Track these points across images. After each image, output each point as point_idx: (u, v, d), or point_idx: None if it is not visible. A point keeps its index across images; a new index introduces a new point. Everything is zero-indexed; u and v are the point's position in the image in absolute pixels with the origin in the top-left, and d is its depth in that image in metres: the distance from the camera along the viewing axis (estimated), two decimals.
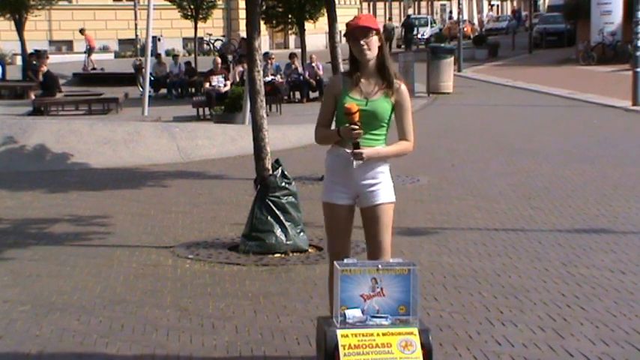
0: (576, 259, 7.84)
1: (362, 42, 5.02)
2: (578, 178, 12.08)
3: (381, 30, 5.20)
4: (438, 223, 9.42)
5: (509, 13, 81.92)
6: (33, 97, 23.63)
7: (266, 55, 25.62)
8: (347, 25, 5.16)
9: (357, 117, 4.92)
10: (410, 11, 69.71)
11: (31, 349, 5.73)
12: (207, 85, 22.51)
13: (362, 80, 5.10)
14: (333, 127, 5.23)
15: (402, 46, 50.08)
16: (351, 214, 5.24)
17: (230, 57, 29.09)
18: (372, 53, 5.05)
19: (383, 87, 5.10)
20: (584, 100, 22.97)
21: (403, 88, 5.16)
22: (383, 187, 5.17)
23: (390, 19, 57.59)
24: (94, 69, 35.53)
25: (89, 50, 37.50)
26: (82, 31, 38.36)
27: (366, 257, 5.28)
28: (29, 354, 5.66)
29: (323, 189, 5.32)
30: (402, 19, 57.85)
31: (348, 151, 5.05)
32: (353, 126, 4.92)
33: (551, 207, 10.16)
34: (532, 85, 27.59)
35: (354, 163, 5.01)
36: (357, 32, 5.04)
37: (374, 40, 5.04)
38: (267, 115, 9.30)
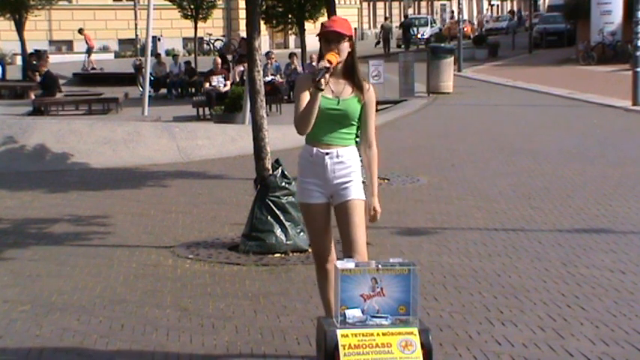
0: (576, 259, 7.84)
1: (332, 46, 5.14)
2: (578, 178, 12.08)
3: (352, 36, 5.31)
4: (438, 223, 9.42)
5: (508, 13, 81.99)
6: (33, 97, 23.63)
7: (268, 55, 25.64)
8: (321, 25, 5.28)
9: (334, 59, 5.06)
10: (410, 11, 69.74)
11: (31, 349, 5.73)
12: (207, 85, 22.53)
13: (331, 80, 5.20)
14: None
15: (402, 46, 50.11)
16: (328, 212, 5.32)
17: (230, 57, 29.10)
18: (341, 57, 5.18)
19: (354, 88, 5.24)
20: (584, 100, 22.96)
21: (372, 89, 5.34)
22: (354, 185, 5.26)
23: (387, 18, 57.61)
24: (93, 69, 35.54)
25: (89, 50, 37.51)
26: (80, 30, 38.37)
27: (342, 254, 5.28)
28: (29, 354, 5.66)
29: (297, 190, 5.42)
30: (401, 19, 57.92)
31: (322, 150, 5.20)
32: (327, 63, 5.04)
33: (551, 207, 10.16)
34: (532, 85, 27.59)
35: (320, 75, 5.02)
36: (330, 36, 5.17)
37: (345, 46, 5.18)
38: (267, 115, 9.31)
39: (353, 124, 5.26)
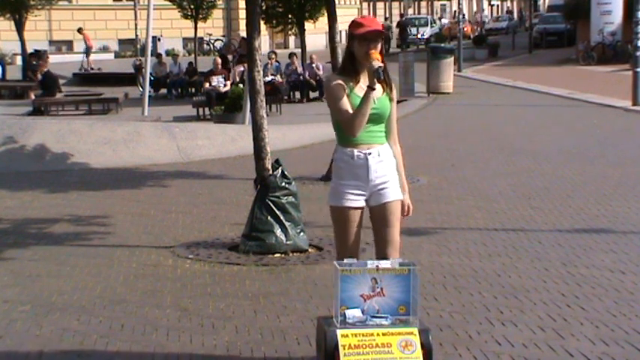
0: (576, 259, 7.84)
1: (372, 46, 5.08)
2: (578, 178, 12.08)
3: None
4: (438, 223, 9.42)
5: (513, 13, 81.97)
6: (33, 97, 23.61)
7: (269, 55, 25.63)
8: (355, 24, 5.19)
9: (380, 58, 5.06)
10: (410, 11, 69.75)
11: (31, 349, 5.73)
12: (207, 85, 22.52)
13: (362, 80, 5.15)
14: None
15: (402, 46, 50.12)
16: (361, 216, 5.23)
17: (230, 57, 29.09)
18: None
19: (384, 87, 5.19)
20: (584, 100, 22.97)
21: (394, 86, 5.32)
22: (392, 185, 5.21)
23: (387, 19, 57.68)
24: (92, 69, 35.53)
25: (87, 50, 37.51)
26: (79, 30, 38.37)
27: (375, 255, 5.25)
28: (29, 354, 5.66)
29: (331, 192, 5.25)
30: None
31: (364, 151, 5.12)
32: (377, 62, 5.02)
33: (551, 207, 10.17)
34: (532, 85, 27.59)
35: (377, 74, 5.01)
36: (368, 36, 5.10)
37: (380, 45, 5.13)
38: (267, 115, 9.30)
39: (384, 122, 5.22)
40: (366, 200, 5.21)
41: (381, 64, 5.02)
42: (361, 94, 5.09)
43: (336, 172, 5.26)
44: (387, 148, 5.23)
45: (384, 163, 5.18)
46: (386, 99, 5.20)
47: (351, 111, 5.08)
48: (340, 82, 5.14)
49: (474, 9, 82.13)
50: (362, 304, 4.87)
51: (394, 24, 56.39)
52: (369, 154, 5.14)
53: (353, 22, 5.27)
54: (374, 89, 5.02)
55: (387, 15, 62.88)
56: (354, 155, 5.15)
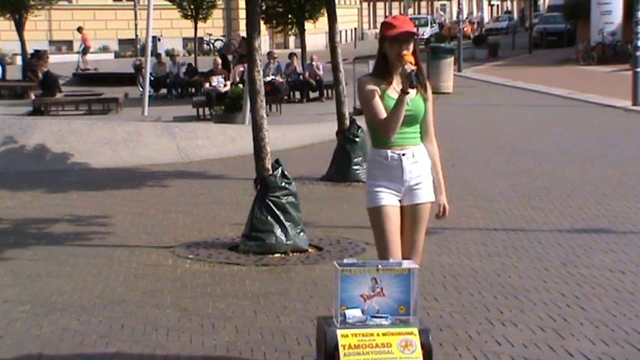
0: (576, 259, 7.84)
1: (404, 46, 5.03)
2: (578, 178, 12.08)
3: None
4: (438, 223, 9.35)
5: (514, 12, 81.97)
6: (33, 97, 23.61)
7: (270, 54, 25.64)
8: (387, 25, 5.13)
9: (412, 60, 4.97)
10: (410, 11, 69.76)
11: (31, 349, 5.73)
12: (207, 85, 22.51)
13: (395, 81, 5.10)
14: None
15: None
16: (399, 213, 5.19)
17: (230, 57, 29.08)
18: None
19: (419, 87, 5.11)
20: (584, 100, 22.96)
21: (429, 86, 5.26)
22: (425, 186, 5.20)
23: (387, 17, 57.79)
24: (87, 69, 35.53)
25: (84, 50, 37.54)
26: (79, 29, 38.40)
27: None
28: (29, 354, 5.66)
29: (368, 195, 5.20)
30: None
31: (398, 152, 5.09)
32: (407, 64, 4.94)
33: (551, 207, 10.16)
34: (532, 85, 27.58)
35: (410, 78, 4.93)
36: (401, 37, 5.04)
37: (412, 46, 5.07)
38: (267, 115, 9.30)
39: (419, 123, 5.17)
40: (400, 200, 5.19)
41: (414, 68, 4.94)
42: (394, 96, 5.04)
43: (370, 173, 5.23)
44: (421, 149, 5.19)
45: (418, 164, 5.15)
46: (420, 100, 5.15)
47: (384, 113, 5.03)
48: (373, 84, 5.09)
49: (474, 9, 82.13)
50: (362, 304, 4.86)
51: None
52: (404, 154, 5.11)
53: (384, 22, 5.21)
54: (407, 93, 4.96)
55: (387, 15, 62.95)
56: (387, 156, 5.12)
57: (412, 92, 5.06)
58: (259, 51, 8.51)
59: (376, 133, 5.15)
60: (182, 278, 7.44)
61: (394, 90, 5.07)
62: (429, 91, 5.23)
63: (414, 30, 5.10)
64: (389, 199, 5.14)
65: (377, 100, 5.06)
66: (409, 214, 5.20)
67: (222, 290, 7.04)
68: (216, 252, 8.28)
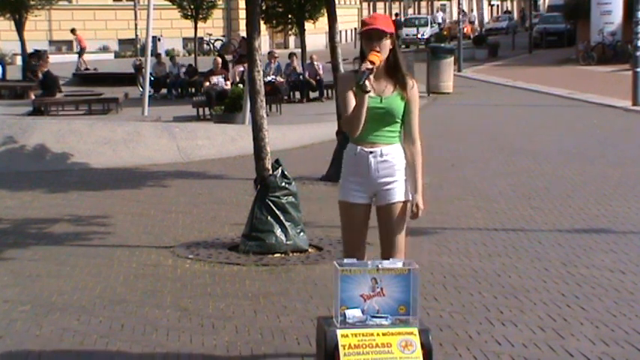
0: (576, 259, 7.84)
1: (375, 44, 5.07)
2: (578, 178, 12.08)
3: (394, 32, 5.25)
4: (438, 223, 9.42)
5: (514, 12, 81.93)
6: (33, 97, 23.60)
7: (270, 54, 25.63)
8: (362, 23, 5.22)
9: (377, 60, 4.98)
10: (410, 11, 69.75)
11: (31, 349, 5.73)
12: (207, 84, 22.49)
13: (373, 78, 5.11)
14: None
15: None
16: (367, 213, 5.25)
17: (230, 57, 29.05)
18: (383, 55, 5.10)
19: (396, 86, 5.17)
20: (584, 100, 22.97)
21: (415, 86, 5.26)
22: (399, 186, 5.20)
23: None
24: (86, 69, 35.55)
25: (81, 51, 37.59)
26: (73, 31, 38.43)
27: (380, 256, 5.25)
28: (29, 354, 5.66)
29: (340, 188, 5.30)
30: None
31: (366, 149, 5.12)
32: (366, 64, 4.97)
33: (551, 207, 10.17)
34: (532, 85, 27.58)
35: (363, 78, 4.94)
36: (372, 34, 5.11)
37: (386, 44, 5.12)
38: (267, 115, 9.30)
39: (397, 122, 5.18)
40: (371, 199, 5.22)
41: (370, 67, 4.95)
42: (370, 94, 5.06)
43: (343, 167, 5.30)
44: (395, 149, 5.18)
45: (387, 163, 5.15)
46: (396, 98, 5.16)
47: (351, 107, 5.09)
48: (349, 79, 5.14)
49: (474, 9, 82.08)
50: (362, 304, 4.86)
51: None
52: (371, 152, 5.14)
53: (362, 20, 5.30)
54: (365, 92, 4.97)
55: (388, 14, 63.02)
56: (356, 152, 5.17)
57: (389, 89, 5.12)
58: (259, 51, 8.51)
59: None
60: (182, 278, 7.44)
61: (372, 88, 5.10)
62: (412, 91, 5.21)
63: (385, 28, 5.11)
64: (356, 197, 5.20)
65: (348, 96, 5.11)
66: (383, 213, 5.22)
67: (222, 290, 7.04)
68: (216, 252, 8.28)
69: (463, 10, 45.36)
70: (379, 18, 5.22)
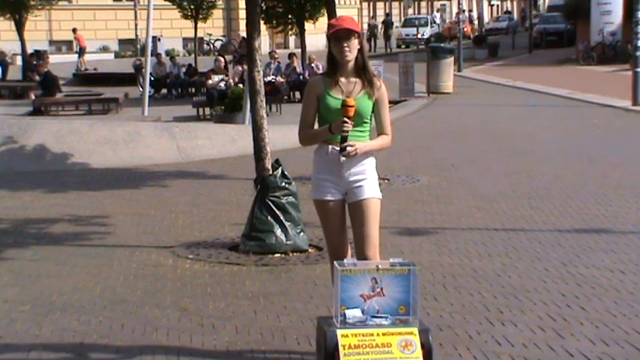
0: (576, 259, 7.84)
1: (344, 44, 5.20)
2: (578, 178, 12.08)
3: (363, 31, 5.32)
4: (438, 223, 9.42)
5: (514, 12, 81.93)
6: (33, 97, 23.61)
7: (271, 54, 25.63)
8: (329, 25, 5.35)
9: (352, 111, 5.12)
10: (410, 11, 69.74)
11: (31, 349, 5.73)
12: (209, 81, 22.43)
13: (341, 79, 5.27)
14: (316, 126, 5.39)
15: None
16: (343, 208, 5.38)
17: (230, 57, 29.04)
18: (352, 55, 5.25)
19: (364, 86, 5.29)
20: (584, 100, 22.96)
21: (383, 86, 5.38)
22: (369, 183, 5.32)
23: (374, 17, 58.07)
24: (86, 69, 35.56)
25: (81, 51, 37.57)
26: (74, 30, 38.44)
27: (354, 253, 5.32)
28: (29, 354, 5.66)
29: (312, 187, 5.46)
30: (400, 19, 58.06)
31: (337, 148, 5.23)
32: (345, 119, 5.11)
33: (551, 207, 10.16)
34: (532, 85, 27.57)
35: (341, 158, 5.20)
36: (340, 34, 5.23)
37: (355, 43, 5.24)
38: (267, 115, 9.30)
39: (365, 122, 5.30)
40: (344, 195, 5.34)
41: (349, 124, 5.09)
42: (336, 95, 5.23)
43: (314, 165, 5.43)
44: None
45: (358, 161, 5.27)
46: (364, 98, 5.28)
47: (308, 125, 5.33)
48: (316, 86, 5.30)
49: (474, 8, 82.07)
50: (362, 304, 4.87)
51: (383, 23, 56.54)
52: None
53: (328, 24, 5.45)
54: (343, 153, 5.16)
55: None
56: (328, 151, 5.30)
57: (357, 89, 5.26)
58: (259, 51, 8.51)
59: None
60: (182, 278, 7.44)
61: (340, 89, 5.25)
62: (380, 91, 5.32)
63: (354, 28, 5.22)
64: (331, 193, 5.33)
65: (310, 102, 5.32)
66: (355, 210, 5.33)
67: (222, 290, 7.04)
68: (216, 252, 8.28)
69: (463, 10, 45.33)
70: (346, 19, 5.34)
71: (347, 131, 5.12)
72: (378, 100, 5.32)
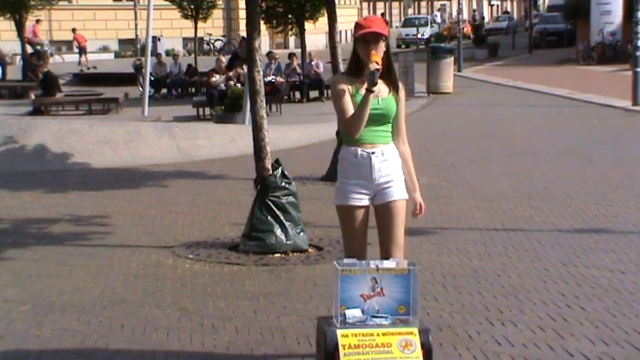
0: (576, 259, 7.84)
1: (371, 47, 5.11)
2: (578, 178, 12.08)
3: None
4: (438, 223, 9.42)
5: (513, 13, 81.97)
6: (33, 97, 23.60)
7: (271, 54, 25.63)
8: (357, 25, 5.24)
9: (380, 60, 5.02)
10: (410, 11, 69.76)
11: (31, 349, 5.73)
12: (211, 80, 22.40)
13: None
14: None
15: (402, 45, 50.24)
16: (367, 214, 5.25)
17: (229, 57, 29.02)
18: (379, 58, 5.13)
19: (390, 87, 5.23)
20: (584, 100, 22.96)
21: (402, 87, 5.35)
22: (397, 184, 5.23)
23: (383, 15, 58.14)
24: (87, 68, 35.54)
25: (80, 50, 37.54)
26: (74, 30, 38.43)
27: (379, 255, 5.25)
28: (29, 354, 5.66)
29: (337, 192, 5.29)
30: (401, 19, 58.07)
31: (367, 150, 5.15)
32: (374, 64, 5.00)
33: (551, 207, 10.16)
34: (532, 85, 27.57)
35: (376, 77, 4.99)
36: (368, 37, 5.14)
37: (382, 46, 5.15)
38: (267, 115, 9.30)
39: (389, 123, 5.25)
40: (371, 199, 5.23)
41: (378, 67, 5.00)
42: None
43: (340, 171, 5.29)
44: (391, 148, 5.25)
45: (388, 162, 5.20)
46: (392, 100, 5.23)
47: (351, 111, 5.12)
48: (345, 82, 5.19)
49: (474, 8, 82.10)
50: (362, 304, 4.87)
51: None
52: (373, 153, 5.17)
53: (355, 23, 5.33)
54: (372, 92, 5.03)
55: (386, 12, 63.18)
56: (357, 154, 5.18)
57: (384, 91, 5.18)
58: (259, 51, 8.51)
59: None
60: (182, 278, 7.44)
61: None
62: (402, 92, 5.31)
63: (382, 31, 5.16)
64: (357, 199, 5.20)
65: (346, 98, 5.14)
66: (383, 212, 5.23)
67: (222, 290, 7.04)
68: (216, 252, 8.28)
69: (473, 10, 45.34)
70: (375, 21, 5.26)
71: (378, 70, 4.98)
72: (400, 100, 5.29)
